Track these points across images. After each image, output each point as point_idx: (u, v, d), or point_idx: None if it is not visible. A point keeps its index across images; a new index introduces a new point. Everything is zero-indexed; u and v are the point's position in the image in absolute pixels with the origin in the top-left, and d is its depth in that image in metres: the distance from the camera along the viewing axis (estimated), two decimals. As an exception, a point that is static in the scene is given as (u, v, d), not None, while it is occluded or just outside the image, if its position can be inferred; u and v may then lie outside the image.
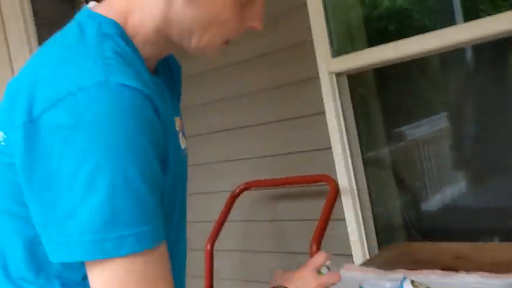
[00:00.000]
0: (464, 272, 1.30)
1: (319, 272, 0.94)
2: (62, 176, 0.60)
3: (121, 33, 0.70)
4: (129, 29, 0.72)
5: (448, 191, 2.22)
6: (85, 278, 0.67)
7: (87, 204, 0.59)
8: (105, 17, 0.71)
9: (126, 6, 0.73)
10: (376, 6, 2.45)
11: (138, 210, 0.61)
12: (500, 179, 2.01)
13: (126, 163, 0.60)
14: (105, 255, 0.60)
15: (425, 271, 1.36)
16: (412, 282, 1.13)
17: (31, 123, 0.62)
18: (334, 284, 0.93)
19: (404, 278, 1.13)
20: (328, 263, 0.98)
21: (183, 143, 0.84)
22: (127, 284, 0.61)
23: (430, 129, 2.37)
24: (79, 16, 0.74)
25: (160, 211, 0.65)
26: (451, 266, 1.38)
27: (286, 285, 0.89)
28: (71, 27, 0.72)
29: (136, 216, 0.61)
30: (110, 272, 0.61)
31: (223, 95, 2.40)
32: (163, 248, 0.65)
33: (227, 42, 0.78)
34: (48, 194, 0.61)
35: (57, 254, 0.62)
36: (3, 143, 0.68)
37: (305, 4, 2.02)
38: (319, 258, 0.95)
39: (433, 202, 2.22)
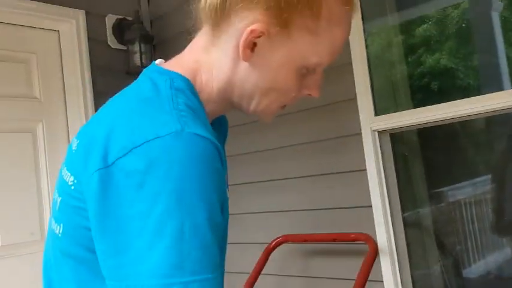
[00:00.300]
0: None
1: None
2: (133, 220, 0.61)
3: (191, 88, 0.74)
4: (197, 86, 0.76)
5: (491, 257, 2.14)
6: None
7: (156, 249, 0.60)
8: (176, 73, 0.75)
9: (195, 65, 0.77)
10: (420, 64, 2.47)
11: (204, 258, 0.62)
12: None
13: (195, 209, 0.62)
14: None
15: None
16: None
17: (106, 169, 0.64)
18: None
19: None
20: None
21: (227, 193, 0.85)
22: None
23: (473, 191, 2.32)
24: (148, 72, 0.78)
25: (222, 261, 0.66)
26: None
27: None
28: (143, 81, 0.76)
29: (202, 263, 0.61)
30: None
31: (267, 146, 2.42)
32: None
33: (284, 107, 0.80)
34: (119, 238, 0.63)
35: None
36: (72, 187, 0.71)
37: (350, 62, 2.05)
38: None
39: (475, 268, 2.14)
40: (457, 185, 2.34)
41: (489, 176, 2.25)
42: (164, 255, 0.60)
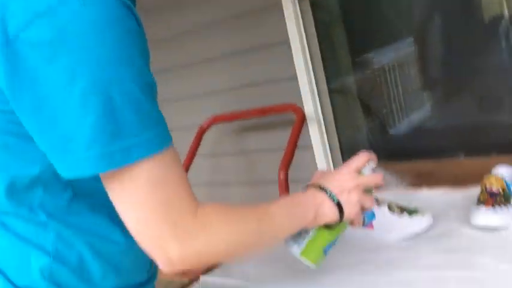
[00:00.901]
0: (428, 188, 1.35)
1: (360, 173, 0.86)
2: (54, 97, 0.57)
3: None
4: None
5: (412, 114, 2.25)
6: (71, 200, 0.67)
7: (87, 121, 0.57)
8: None
9: None
10: None
11: (140, 119, 0.60)
12: (462, 98, 2.04)
13: (120, 75, 0.58)
14: (115, 165, 0.59)
15: (390, 189, 1.40)
16: (375, 198, 1.16)
17: (8, 45, 0.57)
18: (375, 185, 0.87)
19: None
20: (373, 164, 0.88)
21: None
22: (142, 190, 0.61)
23: (396, 55, 2.35)
24: None
25: (162, 117, 0.64)
26: (414, 184, 1.42)
27: (321, 185, 0.82)
28: None
29: (140, 124, 0.59)
30: (125, 181, 0.61)
31: (186, 28, 2.32)
32: (172, 152, 0.64)
33: None
34: (42, 119, 0.59)
35: (68, 171, 0.61)
36: None
37: None
38: (360, 159, 0.87)
39: (398, 125, 2.26)
40: (380, 49, 2.36)
41: (412, 39, 2.28)
42: (97, 125, 0.57)
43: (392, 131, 2.25)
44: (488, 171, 1.13)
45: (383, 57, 2.33)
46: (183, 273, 0.97)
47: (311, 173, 2.09)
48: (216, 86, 2.33)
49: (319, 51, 2.06)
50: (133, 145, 0.59)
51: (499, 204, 1.02)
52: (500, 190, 1.05)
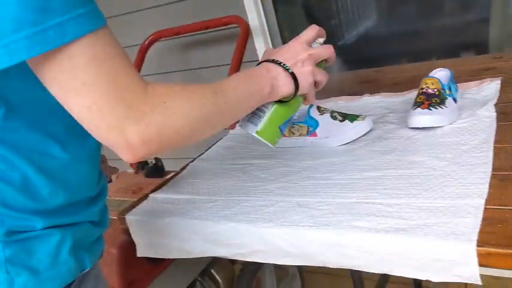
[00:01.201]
0: (369, 95, 1.38)
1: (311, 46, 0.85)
2: None
3: None
4: None
5: (357, 24, 2.24)
6: (5, 118, 0.63)
7: (10, 1, 0.52)
8: None
9: None
10: None
11: None
12: (404, 7, 2.05)
13: None
14: (50, 45, 0.54)
15: (333, 98, 1.42)
16: (318, 107, 1.18)
17: None
18: (327, 57, 0.85)
19: (311, 105, 1.18)
20: (321, 39, 0.87)
21: None
22: (86, 70, 0.57)
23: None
24: None
25: None
26: (357, 91, 1.45)
27: (274, 58, 0.81)
28: None
29: (69, 0, 0.55)
30: (65, 63, 0.56)
31: None
32: (110, 31, 0.60)
33: None
34: None
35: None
36: None
37: None
38: (310, 31, 0.84)
39: (344, 35, 2.25)
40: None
41: None
42: (21, 2, 0.52)
43: (338, 41, 2.25)
44: (427, 75, 1.16)
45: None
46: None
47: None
48: (157, 1, 2.22)
49: (261, -41, 1.98)
50: (67, 22, 0.55)
51: (435, 105, 1.06)
52: (436, 91, 1.08)
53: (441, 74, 1.17)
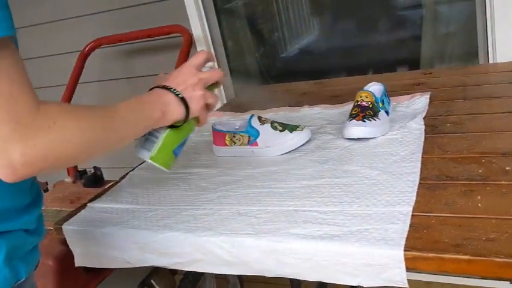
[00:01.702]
0: (308, 106, 1.42)
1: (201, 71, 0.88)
2: None
3: None
4: None
5: (299, 37, 2.31)
6: None
7: None
8: None
9: None
10: None
11: None
12: (344, 22, 2.13)
13: None
14: None
15: (274, 108, 1.46)
16: (259, 117, 1.20)
17: None
18: (216, 80, 0.89)
19: (252, 115, 1.20)
20: (210, 64, 0.92)
21: None
22: None
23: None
24: None
25: (7, 5, 0.58)
26: (297, 102, 1.49)
27: (165, 84, 0.83)
28: None
29: None
30: None
31: None
32: (14, 46, 0.59)
33: None
34: None
35: None
36: None
37: None
38: (199, 56, 0.88)
39: (286, 49, 2.31)
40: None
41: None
42: None
43: (280, 54, 2.30)
44: (362, 88, 1.22)
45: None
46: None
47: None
48: (98, 7, 2.19)
49: (205, -30, 2.00)
50: None
51: (368, 117, 1.11)
52: (370, 104, 1.14)
53: (375, 87, 1.23)
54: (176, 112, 0.83)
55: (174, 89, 0.82)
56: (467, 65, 1.75)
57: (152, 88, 0.84)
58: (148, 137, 0.87)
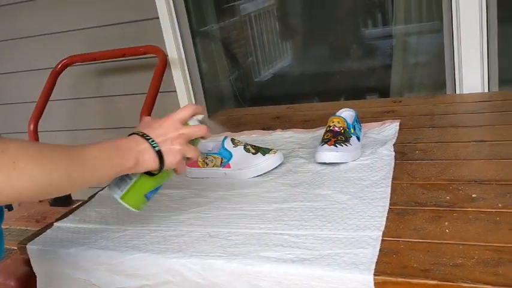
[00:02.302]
0: (281, 130, 1.43)
1: (186, 123, 0.87)
2: None
3: None
4: None
5: (273, 63, 2.34)
6: None
7: None
8: None
9: None
10: None
11: None
12: (317, 49, 2.18)
13: None
14: None
15: (247, 131, 1.46)
16: (232, 140, 1.21)
17: None
18: (200, 136, 0.88)
19: (226, 137, 1.20)
20: (199, 116, 0.90)
21: None
22: None
23: (261, 5, 2.39)
24: None
25: None
26: (270, 126, 1.50)
27: (145, 133, 0.82)
28: None
29: None
30: None
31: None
32: None
33: None
34: None
35: None
36: None
37: None
38: (184, 111, 0.87)
39: (260, 73, 2.34)
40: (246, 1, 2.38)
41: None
42: None
43: (254, 78, 2.32)
44: (334, 114, 1.24)
45: (248, 7, 2.35)
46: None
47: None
48: (75, 25, 2.17)
49: (182, -6, 2.02)
50: None
51: (340, 143, 1.13)
52: (342, 130, 1.16)
53: (347, 113, 1.25)
54: (150, 163, 0.82)
55: (152, 140, 0.82)
56: (436, 94, 1.81)
57: (132, 134, 0.83)
58: (123, 177, 0.85)
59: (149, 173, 0.85)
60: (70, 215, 1.12)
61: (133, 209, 0.88)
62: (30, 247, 1.00)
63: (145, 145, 0.81)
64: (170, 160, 0.83)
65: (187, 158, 0.87)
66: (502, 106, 1.38)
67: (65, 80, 2.16)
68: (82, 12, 2.13)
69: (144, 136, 0.82)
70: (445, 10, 1.67)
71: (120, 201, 0.86)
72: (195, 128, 0.87)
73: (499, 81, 1.68)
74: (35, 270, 1.00)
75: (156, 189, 0.89)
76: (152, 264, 0.88)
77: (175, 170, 0.88)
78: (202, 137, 0.89)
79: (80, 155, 0.73)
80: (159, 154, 0.82)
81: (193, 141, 0.88)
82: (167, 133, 0.83)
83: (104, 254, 0.92)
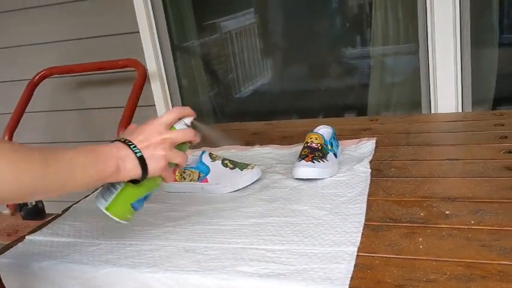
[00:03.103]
0: (259, 145, 1.44)
1: (172, 128, 0.83)
2: None
3: None
4: None
5: (253, 80, 2.36)
6: None
7: None
8: None
9: None
10: None
11: None
12: (297, 67, 2.20)
13: None
14: None
15: (226, 146, 1.46)
16: (210, 154, 1.21)
17: None
18: (186, 140, 0.84)
19: (204, 152, 1.20)
20: (188, 119, 0.85)
21: None
22: None
23: (243, 22, 2.42)
24: None
25: None
26: (249, 142, 1.50)
27: (127, 138, 0.79)
28: None
29: None
30: None
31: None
32: None
33: None
34: None
35: None
36: None
37: None
38: (169, 114, 0.83)
39: (239, 89, 2.35)
40: (229, 16, 2.40)
41: (255, 9, 2.35)
42: None
43: (233, 94, 2.34)
44: (312, 131, 1.25)
45: (229, 25, 2.38)
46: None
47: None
48: (54, 37, 2.16)
49: (162, 9, 2.03)
50: None
51: (317, 159, 1.14)
52: (319, 146, 1.17)
53: (324, 130, 1.26)
54: (132, 170, 0.78)
55: (134, 146, 0.78)
56: (411, 113, 1.84)
57: (114, 140, 0.80)
58: (108, 186, 0.82)
59: (134, 181, 0.81)
60: (43, 228, 1.09)
61: (120, 220, 0.84)
62: (1, 260, 0.97)
63: (126, 151, 0.78)
64: (153, 166, 0.80)
65: (176, 165, 0.84)
66: (475, 126, 1.41)
67: (42, 92, 2.13)
68: (62, 24, 2.12)
69: (125, 142, 0.78)
70: (420, 33, 1.72)
71: (106, 211, 0.82)
72: (180, 132, 0.83)
73: (472, 102, 1.72)
74: (5, 285, 0.98)
75: (145, 198, 0.86)
76: (126, 279, 0.86)
77: (163, 178, 0.85)
78: (191, 142, 0.86)
79: (55, 157, 0.70)
80: (142, 160, 0.78)
81: (180, 147, 0.84)
82: (149, 138, 0.80)
83: (77, 268, 0.90)
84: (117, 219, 0.84)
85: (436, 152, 1.25)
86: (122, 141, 0.79)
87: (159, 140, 0.80)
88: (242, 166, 1.18)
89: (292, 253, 0.84)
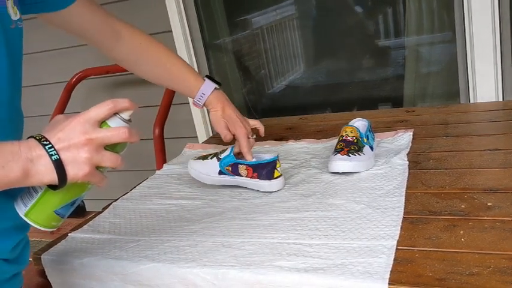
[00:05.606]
0: (294, 140, 1.43)
1: (104, 124, 0.66)
2: None
3: None
4: None
5: (285, 74, 2.35)
6: None
7: None
8: None
9: None
10: None
11: None
12: (329, 62, 2.18)
13: None
14: None
15: (260, 142, 1.46)
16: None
17: None
18: (120, 141, 0.66)
19: (233, 146, 1.20)
20: (126, 114, 0.69)
21: (14, 14, 0.72)
22: None
23: (274, 18, 2.41)
24: None
25: None
26: (283, 136, 1.50)
27: (45, 135, 0.64)
28: None
29: None
30: None
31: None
32: None
33: None
34: None
35: None
36: None
37: None
38: (99, 108, 0.65)
39: (272, 85, 2.35)
40: (260, 12, 2.40)
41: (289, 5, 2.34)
42: None
43: (266, 90, 2.33)
44: (347, 124, 1.24)
45: (260, 21, 2.37)
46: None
47: (189, 129, 2.11)
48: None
49: (194, 8, 2.04)
50: None
51: (353, 152, 1.12)
52: (354, 139, 1.15)
53: (360, 123, 1.25)
54: (46, 175, 0.63)
55: (50, 147, 0.63)
56: (449, 104, 1.79)
57: (30, 137, 0.65)
58: (29, 189, 0.69)
59: (55, 187, 0.66)
60: (84, 226, 1.12)
61: (43, 228, 0.71)
62: (45, 258, 1.01)
63: (40, 152, 0.62)
64: (74, 172, 0.64)
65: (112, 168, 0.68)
66: (517, 115, 1.37)
67: (79, 93, 2.19)
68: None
69: (41, 141, 0.63)
70: (457, 21, 1.67)
71: (24, 218, 0.70)
72: (110, 132, 0.65)
73: (514, 90, 1.66)
74: (50, 281, 1.01)
75: (73, 203, 0.72)
76: (165, 274, 0.88)
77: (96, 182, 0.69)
78: (128, 141, 0.67)
79: None
80: (59, 164, 0.63)
81: (115, 147, 0.68)
82: (71, 137, 0.63)
83: (117, 264, 0.92)
84: (38, 227, 0.71)
85: (476, 143, 1.21)
86: (36, 139, 0.64)
87: (83, 141, 0.64)
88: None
89: (330, 247, 0.83)
